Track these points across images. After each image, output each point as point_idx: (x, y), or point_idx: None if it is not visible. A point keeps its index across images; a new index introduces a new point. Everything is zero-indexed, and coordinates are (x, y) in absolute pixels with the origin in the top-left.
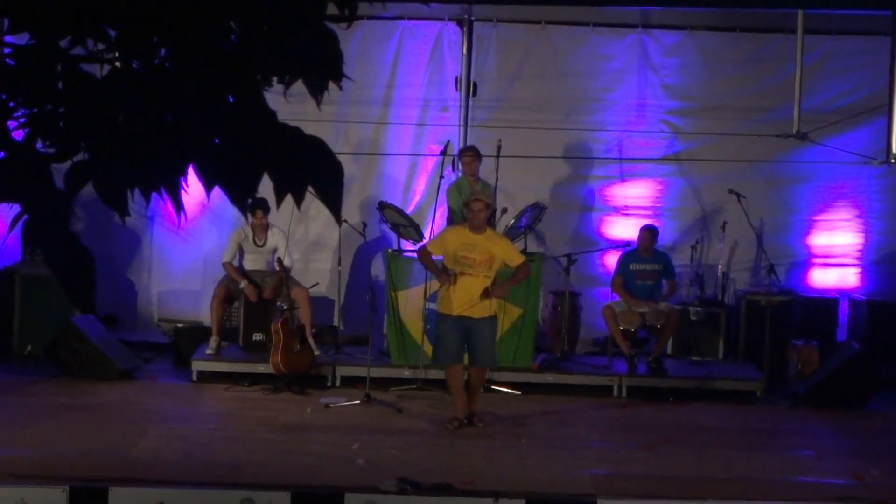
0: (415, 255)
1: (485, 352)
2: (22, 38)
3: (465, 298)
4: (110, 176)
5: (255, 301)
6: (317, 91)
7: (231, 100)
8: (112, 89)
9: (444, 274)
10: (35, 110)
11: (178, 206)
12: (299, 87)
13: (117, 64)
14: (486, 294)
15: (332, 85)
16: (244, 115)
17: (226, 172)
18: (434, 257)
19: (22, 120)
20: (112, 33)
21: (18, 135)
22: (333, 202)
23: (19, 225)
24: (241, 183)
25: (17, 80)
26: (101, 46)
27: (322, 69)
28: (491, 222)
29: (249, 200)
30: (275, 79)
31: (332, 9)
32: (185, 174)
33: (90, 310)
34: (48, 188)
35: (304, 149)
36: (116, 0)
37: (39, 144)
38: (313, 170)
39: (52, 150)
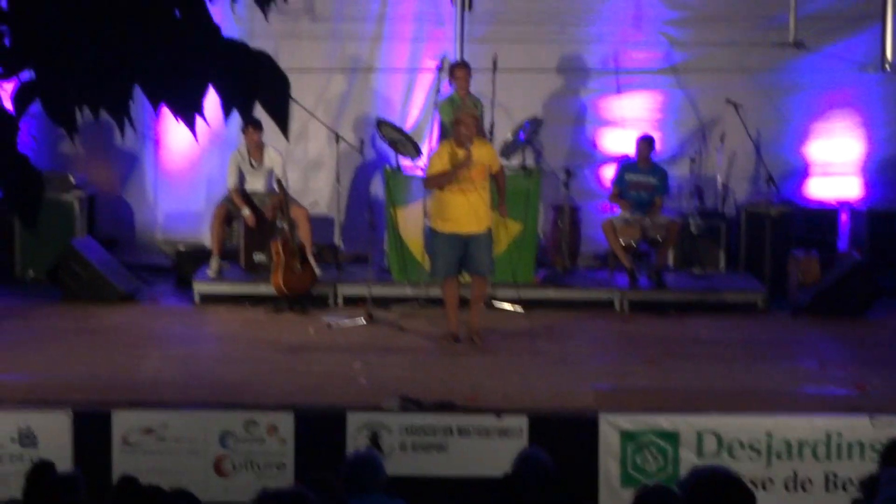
0: (414, 172)
1: (483, 260)
2: None
3: (465, 216)
4: (57, 95)
5: (253, 227)
6: (263, 3)
7: (176, 14)
8: (57, 6)
9: (458, 168)
10: None
11: (122, 124)
12: (295, 4)
13: None
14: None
15: (324, 1)
16: (189, 29)
17: (171, 88)
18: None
19: None
20: None
21: None
22: (281, 116)
23: None
24: (187, 99)
25: None
26: None
27: None
28: (486, 136)
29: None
30: None
31: None
32: (131, 91)
33: (34, 227)
34: None
35: (249, 63)
36: None
37: None
38: (259, 84)
39: None
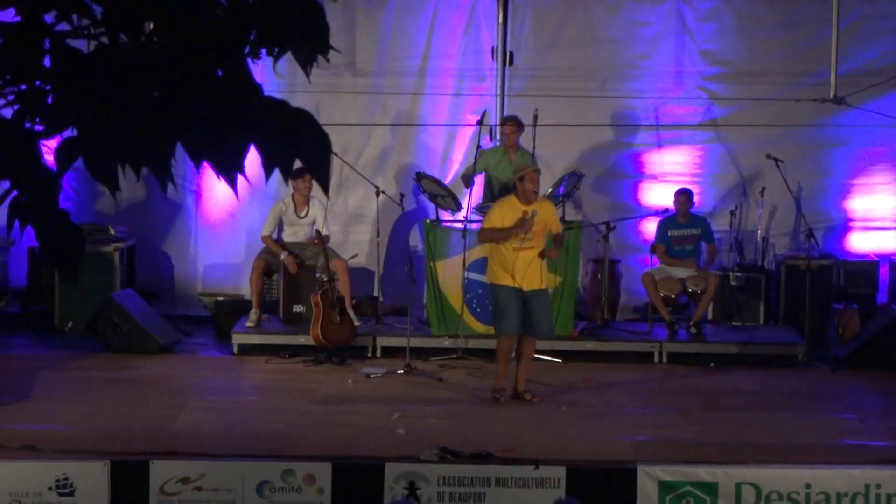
0: (454, 224)
1: (544, 323)
2: (7, 16)
3: (527, 272)
4: (99, 152)
5: (295, 272)
6: (305, 63)
7: (218, 73)
8: (99, 65)
9: (518, 226)
10: (23, 87)
11: (164, 182)
12: (337, 59)
13: (103, 39)
14: (542, 255)
15: (365, 57)
16: (231, 88)
17: (213, 147)
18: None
19: (10, 97)
20: (97, 8)
21: (6, 112)
22: (321, 174)
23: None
24: (228, 157)
25: (4, 57)
26: (86, 22)
27: (309, 41)
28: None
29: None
30: (264, 51)
31: None
32: (173, 150)
33: (74, 282)
34: (37, 165)
35: (290, 121)
36: None
37: (27, 122)
38: (300, 142)
39: (41, 127)
